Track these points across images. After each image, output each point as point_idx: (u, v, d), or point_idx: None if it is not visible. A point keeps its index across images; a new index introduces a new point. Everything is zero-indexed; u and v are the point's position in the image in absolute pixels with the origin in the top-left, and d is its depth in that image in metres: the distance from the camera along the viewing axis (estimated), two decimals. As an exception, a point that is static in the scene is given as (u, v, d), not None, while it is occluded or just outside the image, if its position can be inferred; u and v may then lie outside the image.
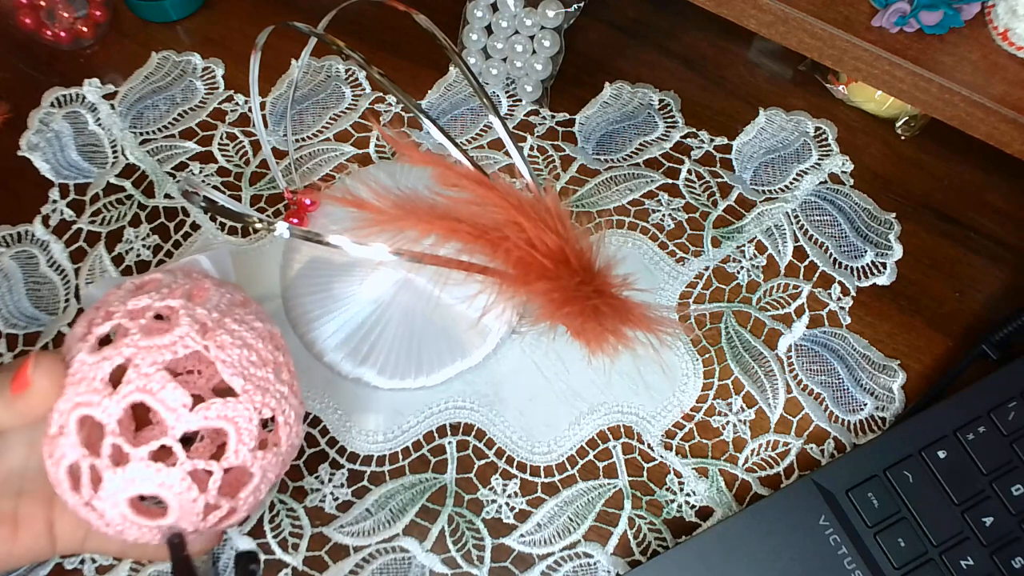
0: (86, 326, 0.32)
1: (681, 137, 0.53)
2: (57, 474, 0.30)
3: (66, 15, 0.55)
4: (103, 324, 0.31)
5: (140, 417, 0.34)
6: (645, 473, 0.44)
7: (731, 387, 0.46)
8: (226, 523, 0.32)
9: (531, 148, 0.53)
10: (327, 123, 0.54)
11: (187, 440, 0.31)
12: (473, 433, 0.45)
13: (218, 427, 0.31)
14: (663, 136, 0.53)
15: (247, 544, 0.42)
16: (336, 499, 0.43)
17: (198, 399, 0.31)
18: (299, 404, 0.34)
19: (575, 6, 0.51)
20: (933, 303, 0.49)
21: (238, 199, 0.51)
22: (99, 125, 0.53)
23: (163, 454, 0.30)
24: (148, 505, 0.31)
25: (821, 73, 0.55)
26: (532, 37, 0.52)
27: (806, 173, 0.52)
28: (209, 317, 0.32)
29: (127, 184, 0.51)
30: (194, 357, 0.36)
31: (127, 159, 0.52)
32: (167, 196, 0.51)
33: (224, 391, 0.31)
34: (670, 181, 0.52)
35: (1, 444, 0.32)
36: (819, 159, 0.53)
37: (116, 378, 0.30)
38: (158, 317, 0.32)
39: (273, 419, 0.32)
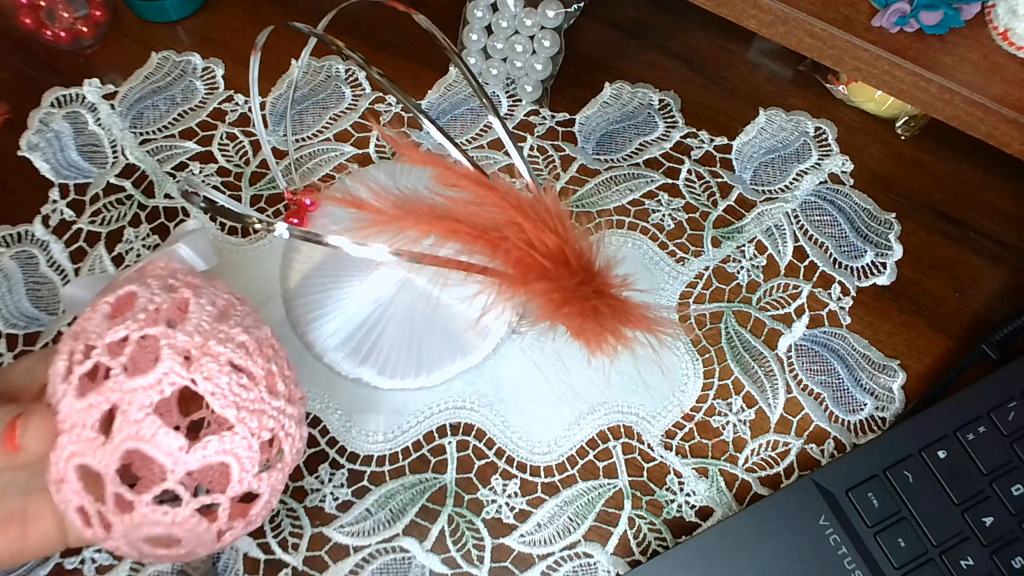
0: (67, 360, 0.31)
1: (681, 137, 0.53)
2: (67, 513, 0.30)
3: (66, 15, 0.55)
4: (84, 362, 0.30)
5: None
6: (645, 473, 0.44)
7: (731, 387, 0.46)
8: (240, 535, 0.32)
9: (531, 148, 0.53)
10: (327, 123, 0.54)
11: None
12: (473, 433, 0.45)
13: (219, 462, 0.30)
14: (663, 136, 0.53)
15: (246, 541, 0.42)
16: (336, 499, 0.43)
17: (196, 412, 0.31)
18: (298, 410, 0.34)
19: (575, 6, 0.51)
20: (933, 303, 0.49)
21: (238, 199, 0.51)
22: (99, 125, 0.53)
23: (169, 494, 0.30)
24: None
25: (821, 73, 0.55)
26: (532, 37, 0.52)
27: (806, 173, 0.52)
28: (192, 343, 0.30)
29: (127, 184, 0.51)
30: None
31: (127, 159, 0.52)
32: (167, 196, 0.51)
33: None
34: (670, 181, 0.52)
35: None
36: (819, 159, 0.53)
37: (108, 421, 0.29)
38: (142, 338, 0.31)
39: (274, 439, 0.32)
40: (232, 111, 0.54)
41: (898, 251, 0.50)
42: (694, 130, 0.54)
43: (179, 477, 0.29)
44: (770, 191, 0.52)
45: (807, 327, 0.47)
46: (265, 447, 0.31)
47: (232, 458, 0.30)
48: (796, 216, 0.51)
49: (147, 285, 0.32)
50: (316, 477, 0.43)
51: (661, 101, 0.55)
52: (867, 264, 0.49)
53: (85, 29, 0.55)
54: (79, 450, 0.29)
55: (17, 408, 0.30)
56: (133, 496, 0.29)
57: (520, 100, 0.54)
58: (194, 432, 0.34)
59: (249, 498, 0.32)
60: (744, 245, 0.50)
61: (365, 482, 0.44)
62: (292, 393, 0.33)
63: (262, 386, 0.31)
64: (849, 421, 0.45)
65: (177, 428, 0.33)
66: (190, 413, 0.37)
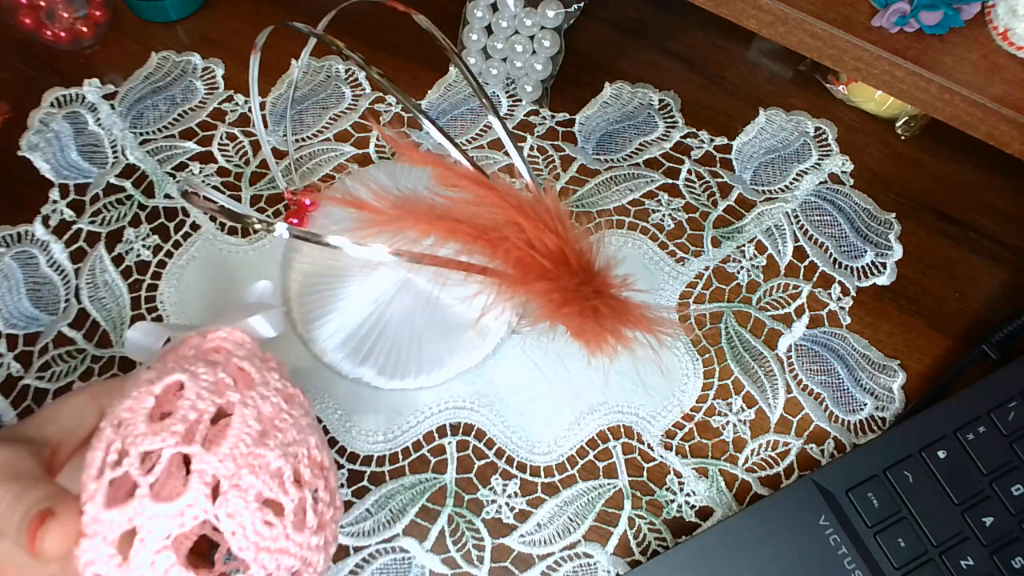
0: (103, 454, 0.30)
1: (681, 137, 0.53)
2: None
3: (66, 15, 0.55)
4: (116, 467, 0.29)
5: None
6: (645, 473, 0.44)
7: (731, 387, 0.46)
8: None
9: (531, 148, 0.53)
10: (327, 123, 0.54)
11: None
12: (473, 433, 0.45)
13: None
14: (663, 136, 0.53)
15: None
16: (336, 499, 0.43)
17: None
18: (329, 532, 0.32)
19: (575, 6, 0.51)
20: (933, 303, 0.49)
21: (238, 199, 0.51)
22: (99, 125, 0.53)
23: None
24: None
25: (821, 73, 0.55)
26: (532, 37, 0.52)
27: (806, 173, 0.52)
28: (224, 470, 0.29)
29: (127, 184, 0.51)
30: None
31: (127, 159, 0.52)
32: (167, 196, 0.51)
33: None
34: (670, 181, 0.52)
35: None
36: (819, 159, 0.53)
37: (129, 536, 0.29)
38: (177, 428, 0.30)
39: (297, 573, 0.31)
40: (232, 111, 0.54)
41: (898, 251, 0.50)
42: (694, 130, 0.54)
43: None
44: (770, 191, 0.52)
45: (807, 327, 0.47)
46: None
47: None
48: (796, 216, 0.51)
49: (196, 377, 0.32)
50: (316, 477, 0.43)
51: (661, 101, 0.55)
52: (867, 264, 0.49)
53: (85, 29, 0.55)
54: (97, 561, 0.29)
55: (45, 499, 0.29)
56: None
57: (520, 100, 0.54)
58: (209, 559, 0.34)
59: None
60: (744, 245, 0.50)
61: (365, 482, 0.44)
62: (323, 518, 0.32)
63: (288, 521, 0.31)
64: (849, 421, 0.45)
65: (196, 553, 0.32)
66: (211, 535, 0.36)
